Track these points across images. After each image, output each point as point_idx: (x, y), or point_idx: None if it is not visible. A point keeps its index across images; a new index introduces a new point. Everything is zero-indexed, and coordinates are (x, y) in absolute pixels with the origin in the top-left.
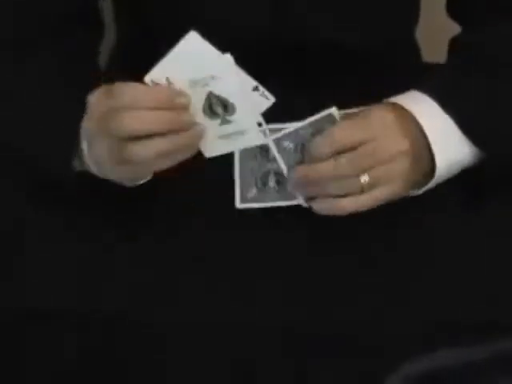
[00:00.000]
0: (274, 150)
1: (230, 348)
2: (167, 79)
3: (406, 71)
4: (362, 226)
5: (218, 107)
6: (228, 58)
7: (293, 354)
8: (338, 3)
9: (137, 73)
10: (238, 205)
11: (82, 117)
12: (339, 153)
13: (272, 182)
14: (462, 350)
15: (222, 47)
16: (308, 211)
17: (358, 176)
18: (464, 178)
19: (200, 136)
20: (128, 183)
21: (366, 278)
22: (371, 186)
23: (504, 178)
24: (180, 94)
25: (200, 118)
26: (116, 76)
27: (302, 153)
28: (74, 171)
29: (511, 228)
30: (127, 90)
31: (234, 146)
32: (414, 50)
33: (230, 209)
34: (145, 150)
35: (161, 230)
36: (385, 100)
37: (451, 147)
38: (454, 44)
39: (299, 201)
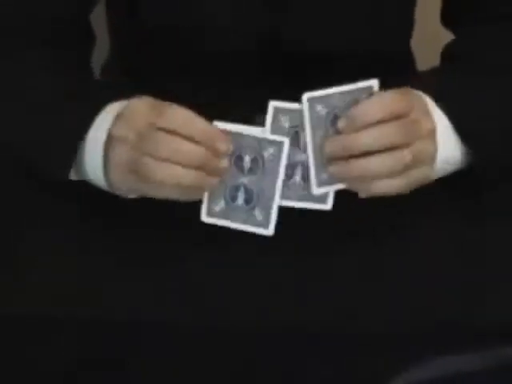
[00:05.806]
0: (305, 111)
1: (230, 348)
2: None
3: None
4: (362, 227)
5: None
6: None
7: (293, 354)
8: (333, 17)
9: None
10: (204, 218)
11: (83, 129)
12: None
13: (241, 200)
14: (461, 357)
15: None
16: (304, 212)
17: (402, 150)
18: (462, 181)
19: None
20: (126, 193)
21: (367, 278)
22: (410, 165)
23: (501, 180)
24: (224, 139)
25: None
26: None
27: (334, 124)
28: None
29: (510, 230)
30: (180, 114)
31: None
32: (410, 60)
33: None
34: (162, 172)
35: (160, 232)
36: None
37: (441, 142)
38: (447, 50)
39: (268, 231)
